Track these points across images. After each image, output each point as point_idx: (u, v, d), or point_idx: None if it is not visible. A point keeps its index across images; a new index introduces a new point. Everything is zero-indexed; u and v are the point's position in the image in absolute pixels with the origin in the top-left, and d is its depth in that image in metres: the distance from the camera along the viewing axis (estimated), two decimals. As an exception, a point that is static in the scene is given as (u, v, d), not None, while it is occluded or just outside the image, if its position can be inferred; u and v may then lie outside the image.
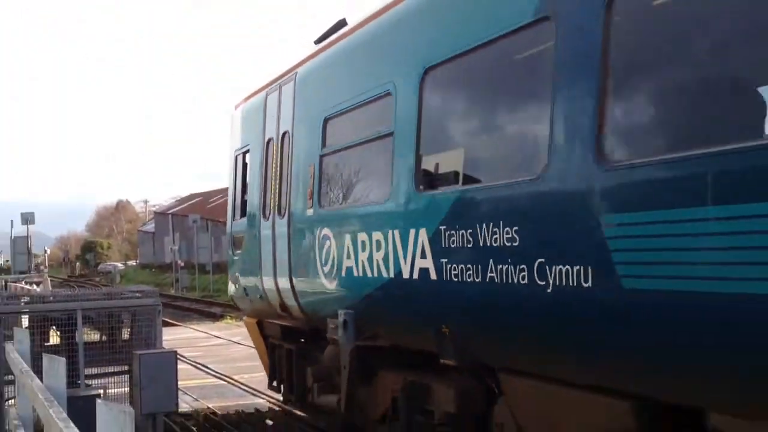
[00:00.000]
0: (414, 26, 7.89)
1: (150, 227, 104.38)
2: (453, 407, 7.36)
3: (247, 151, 12.42)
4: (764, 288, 4.06)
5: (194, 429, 11.13)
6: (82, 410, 5.69)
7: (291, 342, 11.33)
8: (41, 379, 6.52)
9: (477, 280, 6.44)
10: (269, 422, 11.39)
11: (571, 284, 5.39)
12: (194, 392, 14.54)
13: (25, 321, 10.94)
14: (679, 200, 4.66)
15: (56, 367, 6.37)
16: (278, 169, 10.88)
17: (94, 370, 10.46)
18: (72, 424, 4.55)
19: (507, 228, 6.12)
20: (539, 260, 5.76)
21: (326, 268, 9.18)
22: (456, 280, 6.75)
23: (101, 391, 9.84)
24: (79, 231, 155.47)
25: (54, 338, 10.80)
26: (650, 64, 5.48)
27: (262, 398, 13.72)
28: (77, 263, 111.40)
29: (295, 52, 11.65)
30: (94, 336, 11.47)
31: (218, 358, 18.38)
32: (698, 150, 4.58)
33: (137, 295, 10.95)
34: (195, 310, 36.01)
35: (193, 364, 17.82)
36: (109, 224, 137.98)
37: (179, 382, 9.50)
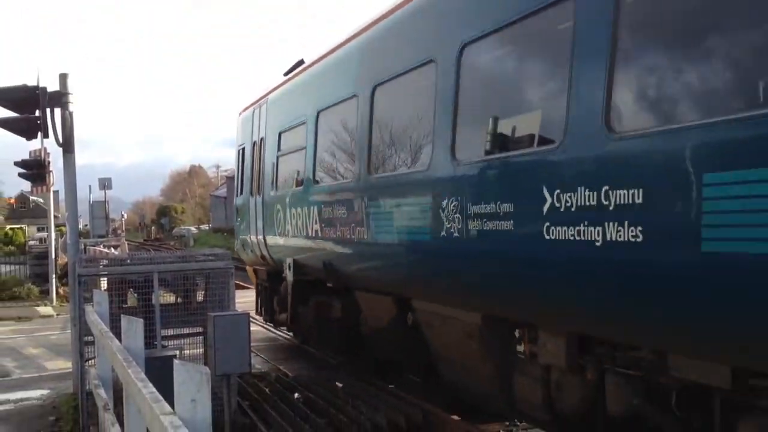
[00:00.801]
0: (313, 83, 12.79)
1: (222, 192, 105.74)
2: (340, 314, 12.25)
3: (244, 147, 16.99)
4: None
5: (266, 390, 11.33)
6: (159, 370, 5.82)
7: (269, 282, 15.67)
8: (119, 339, 6.68)
9: (335, 236, 10.96)
10: (339, 384, 11.52)
11: (358, 238, 10.14)
12: (266, 354, 14.80)
13: (104, 283, 11.23)
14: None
15: (134, 327, 6.53)
16: (259, 162, 15.57)
17: (170, 332, 10.69)
18: (150, 384, 4.65)
19: (341, 207, 10.68)
20: (352, 224, 10.28)
21: (278, 230, 13.86)
22: (327, 236, 11.27)
23: (177, 352, 10.05)
24: (154, 196, 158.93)
25: (131, 300, 11.06)
26: None
27: (332, 360, 13.88)
28: (152, 227, 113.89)
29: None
30: (170, 298, 11.73)
31: (289, 321, 18.64)
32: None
33: (210, 258, 11.12)
34: (266, 273, 36.40)
35: (264, 326, 18.12)
36: (182, 189, 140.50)
37: (251, 344, 9.66)
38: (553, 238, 6.27)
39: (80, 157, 12.54)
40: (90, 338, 9.87)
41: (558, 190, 6.22)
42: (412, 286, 9.29)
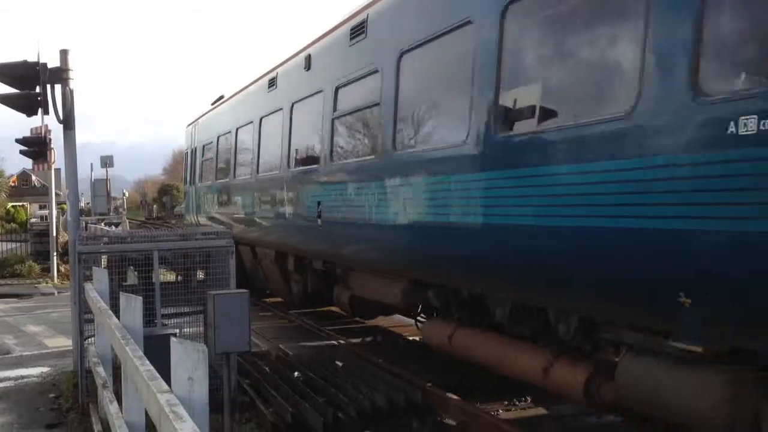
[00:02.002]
0: (215, 117, 20.21)
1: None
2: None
3: (188, 152, 24.45)
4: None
5: (267, 369, 11.34)
6: (158, 348, 5.78)
7: None
8: (119, 317, 6.65)
9: (225, 213, 18.46)
10: (339, 363, 11.53)
11: (234, 213, 17.66)
12: (266, 333, 14.81)
13: (104, 261, 11.20)
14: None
15: (133, 305, 6.50)
16: (193, 163, 23.23)
17: (171, 310, 10.67)
18: (147, 362, 4.63)
19: (226, 195, 18.49)
20: (230, 205, 17.96)
21: (202, 209, 21.59)
22: (222, 213, 18.74)
23: (177, 331, 10.03)
24: (156, 174, 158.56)
25: (131, 278, 11.04)
26: None
27: (333, 340, 13.89)
28: (154, 206, 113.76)
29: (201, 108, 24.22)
30: (170, 276, 11.70)
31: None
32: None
33: (211, 236, 11.08)
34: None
35: (264, 305, 18.13)
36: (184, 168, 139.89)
37: (252, 323, 9.63)
38: (282, 212, 13.77)
39: (82, 136, 12.63)
40: (90, 316, 9.83)
41: (286, 189, 13.60)
42: (254, 239, 16.46)
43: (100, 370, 8.13)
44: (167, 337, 7.61)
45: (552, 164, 6.41)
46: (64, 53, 11.99)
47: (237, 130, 17.28)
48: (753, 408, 5.61)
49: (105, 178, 41.22)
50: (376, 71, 9.88)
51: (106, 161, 40.89)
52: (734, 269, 4.91)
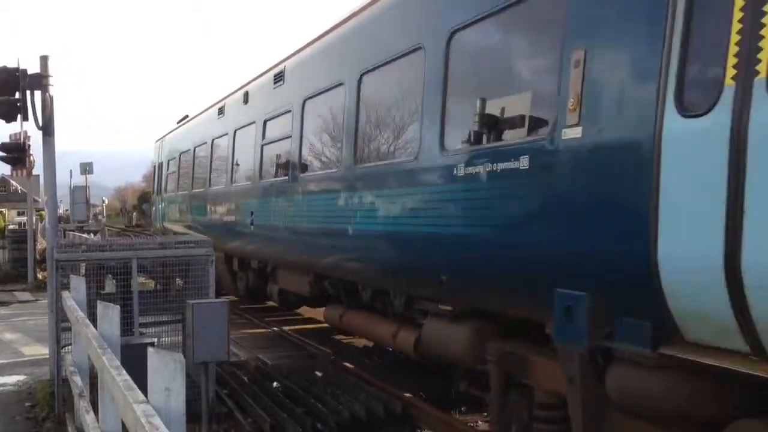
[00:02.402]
0: (176, 136, 23.94)
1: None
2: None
3: (155, 165, 28.11)
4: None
5: (245, 378, 11.27)
6: (136, 358, 5.72)
7: None
8: (96, 326, 6.57)
9: (185, 220, 21.46)
10: (318, 374, 11.48)
11: (192, 220, 20.70)
12: (246, 342, 14.73)
13: (83, 269, 11.08)
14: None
15: (110, 314, 6.42)
16: (159, 175, 26.48)
17: (149, 319, 10.57)
18: (124, 371, 4.58)
19: (186, 204, 21.69)
20: (189, 214, 21.14)
21: (166, 217, 24.60)
22: (184, 220, 21.76)
23: (155, 340, 9.94)
24: (136, 182, 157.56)
25: (109, 286, 10.93)
26: None
27: (313, 350, 13.84)
28: (134, 213, 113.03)
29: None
30: (149, 284, 11.59)
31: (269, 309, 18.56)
32: None
33: (191, 245, 11.00)
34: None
35: (244, 314, 18.04)
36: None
37: (231, 332, 9.57)
38: (228, 220, 16.43)
39: (63, 143, 12.43)
40: (67, 324, 9.71)
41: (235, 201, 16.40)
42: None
43: (77, 379, 8.04)
44: (145, 346, 7.54)
45: (376, 189, 9.27)
46: (44, 59, 11.91)
47: (195, 148, 20.56)
48: (481, 347, 7.78)
49: (84, 185, 40.94)
50: (289, 111, 12.69)
51: (86, 168, 40.60)
52: (460, 258, 7.51)
